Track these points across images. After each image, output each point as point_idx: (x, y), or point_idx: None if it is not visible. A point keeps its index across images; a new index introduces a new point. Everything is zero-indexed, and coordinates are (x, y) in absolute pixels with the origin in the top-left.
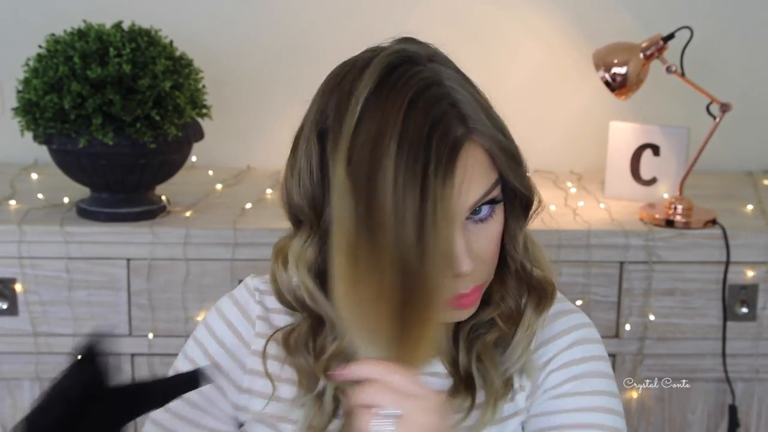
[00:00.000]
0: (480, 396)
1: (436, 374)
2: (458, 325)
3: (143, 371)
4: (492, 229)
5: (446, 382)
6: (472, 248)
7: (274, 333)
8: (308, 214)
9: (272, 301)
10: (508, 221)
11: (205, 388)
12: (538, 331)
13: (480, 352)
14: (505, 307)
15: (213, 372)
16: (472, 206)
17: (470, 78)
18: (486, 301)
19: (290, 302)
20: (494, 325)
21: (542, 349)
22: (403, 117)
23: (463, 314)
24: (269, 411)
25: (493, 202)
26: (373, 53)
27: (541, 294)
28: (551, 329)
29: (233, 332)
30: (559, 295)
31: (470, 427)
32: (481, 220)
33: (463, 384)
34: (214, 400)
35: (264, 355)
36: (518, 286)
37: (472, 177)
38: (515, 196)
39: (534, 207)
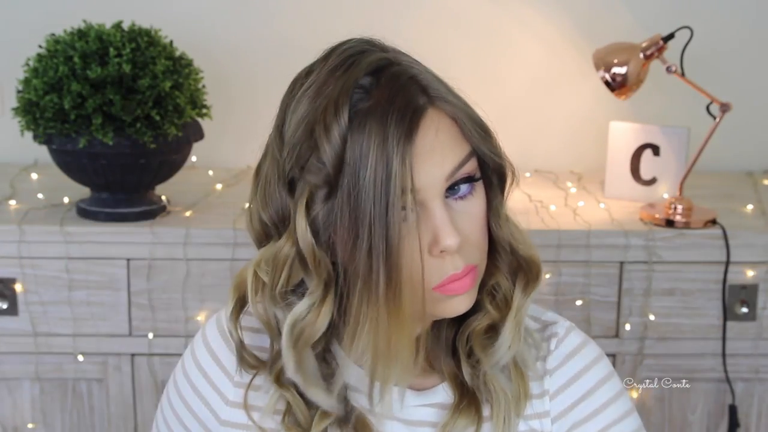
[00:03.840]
0: (487, 410)
1: (437, 405)
2: (455, 336)
3: (143, 371)
4: (474, 207)
5: (445, 413)
6: (456, 226)
7: (253, 377)
8: (277, 223)
9: (249, 337)
10: (489, 199)
11: None
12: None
13: (474, 347)
14: (499, 295)
15: None
16: (449, 176)
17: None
18: (478, 307)
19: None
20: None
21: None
22: (362, 92)
23: (460, 303)
24: None
25: (471, 179)
26: (337, 46)
27: (528, 275)
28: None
29: (210, 385)
30: (571, 326)
31: None
32: (462, 198)
33: (467, 402)
34: None
35: (246, 406)
36: (509, 270)
37: (444, 146)
38: (491, 171)
39: (509, 180)
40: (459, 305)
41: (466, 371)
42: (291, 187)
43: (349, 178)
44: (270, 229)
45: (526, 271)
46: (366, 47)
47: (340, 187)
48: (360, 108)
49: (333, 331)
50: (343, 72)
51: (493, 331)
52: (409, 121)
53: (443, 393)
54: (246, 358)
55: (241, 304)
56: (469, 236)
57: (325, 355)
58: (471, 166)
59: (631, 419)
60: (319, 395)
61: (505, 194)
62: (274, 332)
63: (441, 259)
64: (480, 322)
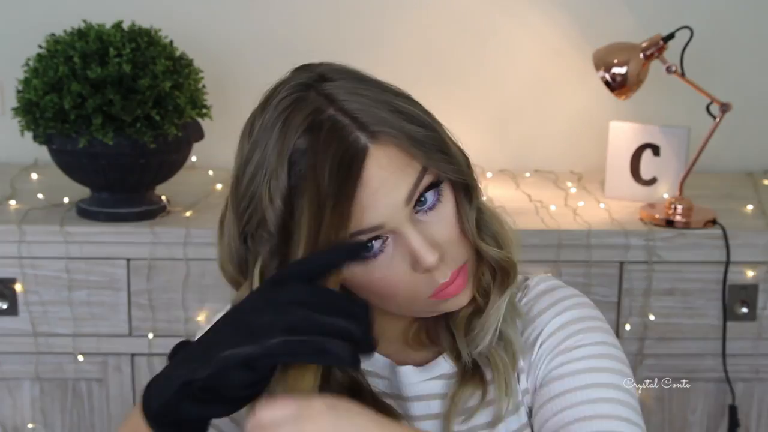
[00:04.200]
0: (489, 373)
1: (441, 376)
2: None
3: (143, 371)
4: (445, 211)
5: (450, 383)
6: (433, 238)
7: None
8: (245, 275)
9: None
10: (457, 201)
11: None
12: (508, 309)
13: (457, 331)
14: (484, 281)
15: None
16: (407, 199)
17: (373, 77)
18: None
19: None
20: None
21: (530, 326)
22: (299, 154)
23: (459, 300)
24: None
25: (435, 185)
26: (272, 92)
27: (503, 274)
28: (538, 306)
29: None
30: (547, 276)
31: (491, 402)
32: (431, 208)
33: (470, 371)
34: None
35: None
36: (489, 263)
37: (395, 174)
38: (454, 181)
39: (476, 190)
40: (458, 301)
41: (462, 346)
42: (249, 247)
43: (294, 246)
44: (240, 279)
45: (500, 270)
46: (300, 92)
47: (291, 254)
48: (300, 172)
49: None
50: (279, 130)
51: (476, 316)
52: (347, 172)
53: (444, 364)
54: None
55: None
56: (448, 242)
57: None
58: (429, 178)
59: (602, 333)
60: None
61: (472, 203)
62: None
63: (428, 273)
64: (464, 309)
